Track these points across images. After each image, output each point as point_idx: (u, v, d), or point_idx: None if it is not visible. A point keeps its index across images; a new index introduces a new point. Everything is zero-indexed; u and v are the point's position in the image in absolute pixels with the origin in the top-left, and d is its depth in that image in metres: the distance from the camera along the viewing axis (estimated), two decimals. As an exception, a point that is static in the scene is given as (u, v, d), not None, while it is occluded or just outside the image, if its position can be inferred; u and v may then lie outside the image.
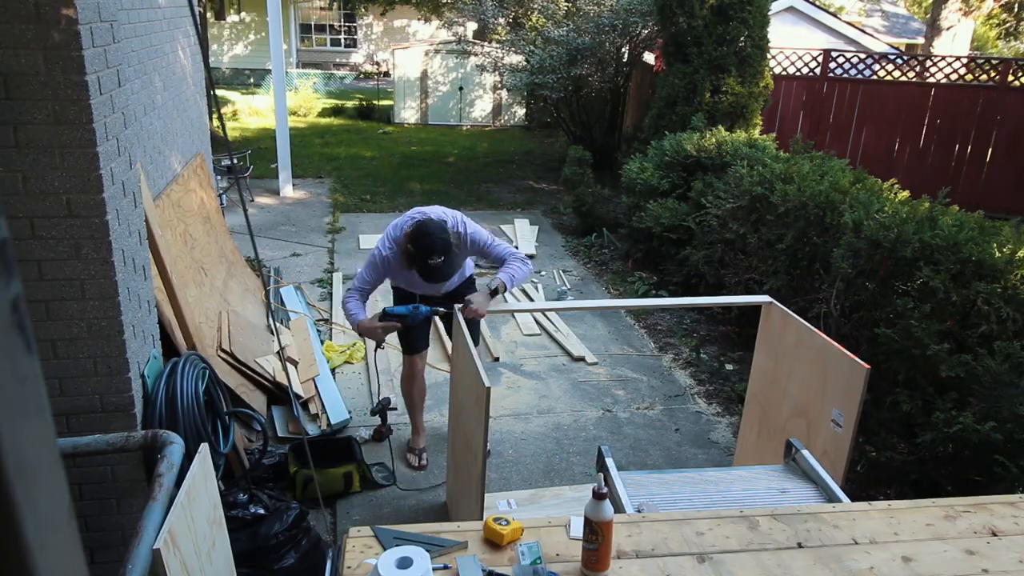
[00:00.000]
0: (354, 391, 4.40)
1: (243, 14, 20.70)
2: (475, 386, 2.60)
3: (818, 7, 13.45)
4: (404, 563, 1.59)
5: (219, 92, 17.24)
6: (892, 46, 15.16)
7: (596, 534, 1.70)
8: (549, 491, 3.50)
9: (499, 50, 10.51)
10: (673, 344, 5.27)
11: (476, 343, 3.23)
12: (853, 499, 2.21)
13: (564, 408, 4.36)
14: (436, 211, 3.30)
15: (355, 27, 23.69)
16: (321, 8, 23.18)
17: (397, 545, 1.71)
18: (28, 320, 0.31)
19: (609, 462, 2.39)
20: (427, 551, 1.65)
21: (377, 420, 4.04)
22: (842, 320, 3.96)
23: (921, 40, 18.94)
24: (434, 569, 1.65)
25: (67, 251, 2.23)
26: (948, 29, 12.21)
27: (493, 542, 1.82)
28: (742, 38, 6.92)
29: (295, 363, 4.33)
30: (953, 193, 4.07)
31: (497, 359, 4.94)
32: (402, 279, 3.49)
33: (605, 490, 1.73)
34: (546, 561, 1.77)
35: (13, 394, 0.30)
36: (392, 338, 4.02)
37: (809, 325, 3.05)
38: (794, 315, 3.17)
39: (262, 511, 2.68)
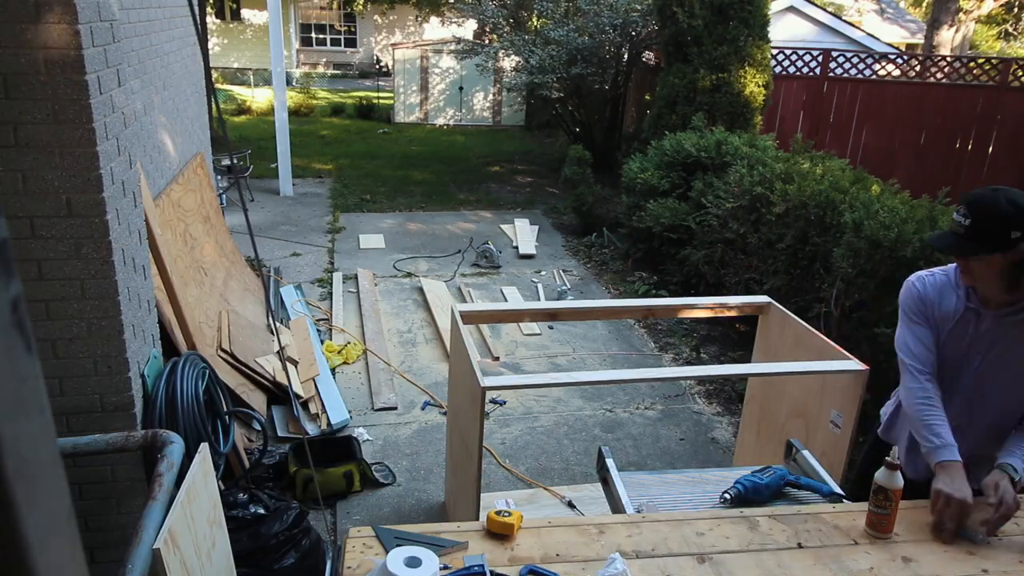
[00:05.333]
0: (354, 391, 4.40)
1: (244, 14, 20.70)
2: (471, 386, 2.60)
3: (818, 7, 13.45)
4: (413, 563, 1.59)
5: (228, 88, 17.26)
6: (892, 45, 15.16)
7: (889, 500, 1.86)
8: (548, 491, 3.50)
9: (499, 50, 10.51)
10: (673, 344, 5.27)
11: None
12: (853, 499, 2.21)
13: (564, 408, 4.36)
14: None
15: (355, 27, 23.69)
16: (321, 8, 23.17)
17: (398, 545, 1.71)
18: (28, 320, 0.31)
19: (609, 462, 2.39)
20: (433, 552, 1.65)
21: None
22: (842, 320, 3.96)
23: (920, 35, 18.96)
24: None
25: (67, 251, 2.23)
26: (948, 28, 12.22)
27: (500, 535, 1.82)
28: (742, 37, 6.92)
29: (295, 363, 4.33)
30: (953, 193, 4.07)
31: (497, 359, 4.94)
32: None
33: (899, 461, 1.86)
34: (546, 561, 1.77)
35: (13, 394, 0.30)
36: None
37: (807, 325, 3.05)
38: (792, 315, 3.17)
39: (262, 511, 2.68)
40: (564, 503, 3.35)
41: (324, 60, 23.59)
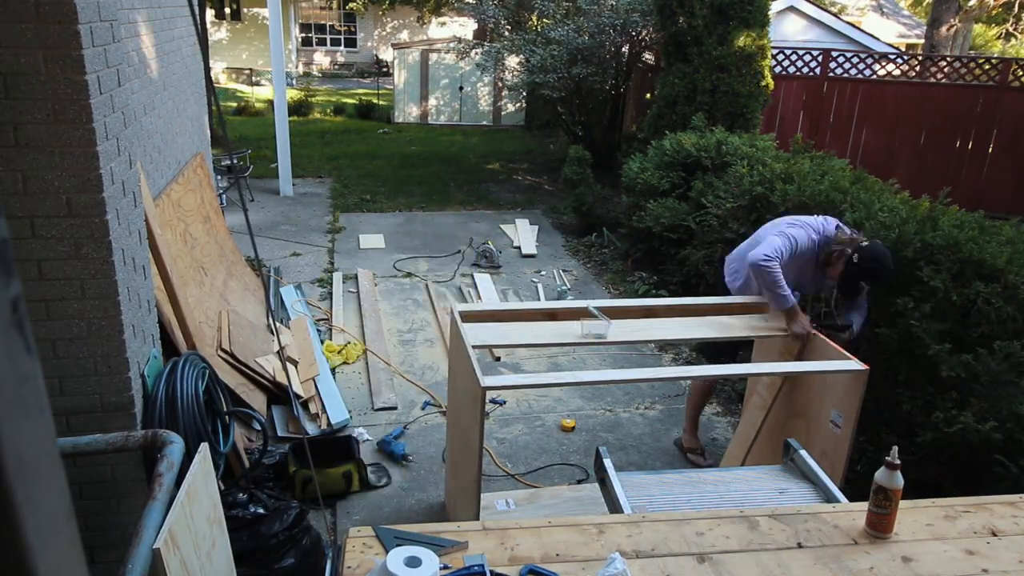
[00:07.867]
0: (354, 391, 4.40)
1: (245, 13, 20.70)
2: (471, 386, 2.60)
3: (818, 7, 13.45)
4: (413, 562, 1.59)
5: (235, 88, 17.25)
6: (891, 45, 15.16)
7: (889, 500, 1.87)
8: (548, 491, 3.50)
9: (499, 50, 10.51)
10: (673, 343, 5.27)
11: None
12: (853, 499, 2.21)
13: (564, 408, 4.36)
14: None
15: (355, 27, 23.69)
16: (321, 8, 23.18)
17: (398, 545, 1.71)
18: (28, 320, 0.31)
19: (607, 463, 2.38)
20: (433, 551, 1.65)
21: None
22: (842, 320, 3.95)
23: (918, 31, 18.96)
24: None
25: (67, 251, 2.23)
26: (948, 29, 12.22)
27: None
28: (742, 37, 6.92)
29: (295, 363, 4.33)
30: (953, 193, 4.07)
31: (498, 359, 4.93)
32: (795, 269, 3.32)
33: (898, 461, 1.88)
34: (546, 561, 1.77)
35: (13, 394, 0.30)
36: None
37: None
38: (794, 315, 3.17)
39: (262, 511, 2.68)
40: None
41: (324, 60, 23.59)
